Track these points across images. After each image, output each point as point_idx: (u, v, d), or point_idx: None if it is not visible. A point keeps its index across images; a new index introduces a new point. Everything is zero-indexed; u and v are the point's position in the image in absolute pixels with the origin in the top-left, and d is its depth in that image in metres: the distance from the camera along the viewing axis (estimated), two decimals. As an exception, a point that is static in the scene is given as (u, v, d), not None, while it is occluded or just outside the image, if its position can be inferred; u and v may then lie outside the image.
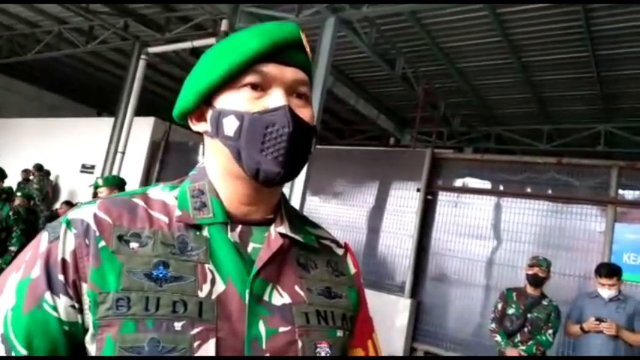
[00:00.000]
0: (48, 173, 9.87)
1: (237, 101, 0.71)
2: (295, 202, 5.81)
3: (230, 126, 0.70)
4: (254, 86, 0.71)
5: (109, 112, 11.92)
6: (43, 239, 0.68)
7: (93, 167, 9.61)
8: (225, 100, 0.72)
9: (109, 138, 8.38)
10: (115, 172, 7.68)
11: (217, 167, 0.75)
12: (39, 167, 9.70)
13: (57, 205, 9.10)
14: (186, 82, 0.78)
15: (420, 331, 6.21)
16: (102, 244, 0.66)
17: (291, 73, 0.72)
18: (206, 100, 0.74)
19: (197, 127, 0.77)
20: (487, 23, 6.60)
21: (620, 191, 5.53)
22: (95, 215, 0.68)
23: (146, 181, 9.01)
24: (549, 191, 5.95)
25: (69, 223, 0.67)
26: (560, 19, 6.27)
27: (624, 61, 7.05)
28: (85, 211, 0.68)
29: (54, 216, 7.53)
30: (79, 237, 0.66)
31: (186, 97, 0.76)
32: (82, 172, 9.89)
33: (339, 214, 7.15)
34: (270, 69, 0.71)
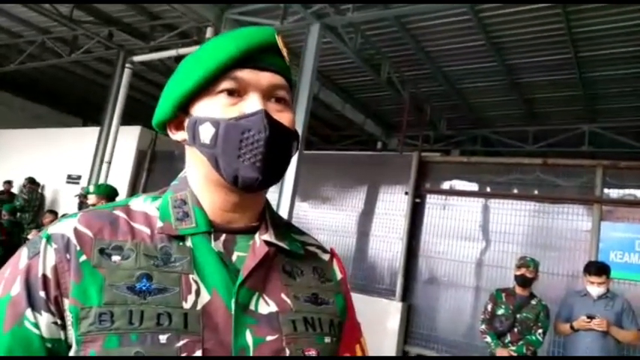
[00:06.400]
0: (38, 185, 9.74)
1: (213, 108, 0.70)
2: (284, 208, 5.79)
3: (206, 133, 0.69)
4: (230, 92, 0.70)
5: (94, 122, 11.80)
6: (22, 255, 0.66)
7: (79, 177, 9.50)
8: (202, 108, 0.71)
9: (95, 148, 8.28)
10: (101, 182, 7.60)
11: (198, 176, 0.74)
12: (31, 180, 9.57)
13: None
14: (163, 91, 0.77)
15: (411, 334, 6.21)
16: (83, 258, 0.65)
17: (267, 78, 0.71)
18: (183, 108, 0.73)
19: (176, 135, 0.76)
20: (470, 27, 6.66)
21: (606, 190, 5.59)
22: (76, 229, 0.67)
23: (133, 190, 8.92)
24: (536, 192, 6.00)
25: (49, 238, 0.66)
26: (541, 21, 6.35)
27: (605, 62, 7.16)
28: (66, 225, 0.67)
29: (40, 227, 7.44)
30: (60, 252, 0.65)
31: (163, 106, 0.76)
32: (67, 182, 9.78)
33: (328, 219, 7.15)
34: (246, 74, 0.70)
